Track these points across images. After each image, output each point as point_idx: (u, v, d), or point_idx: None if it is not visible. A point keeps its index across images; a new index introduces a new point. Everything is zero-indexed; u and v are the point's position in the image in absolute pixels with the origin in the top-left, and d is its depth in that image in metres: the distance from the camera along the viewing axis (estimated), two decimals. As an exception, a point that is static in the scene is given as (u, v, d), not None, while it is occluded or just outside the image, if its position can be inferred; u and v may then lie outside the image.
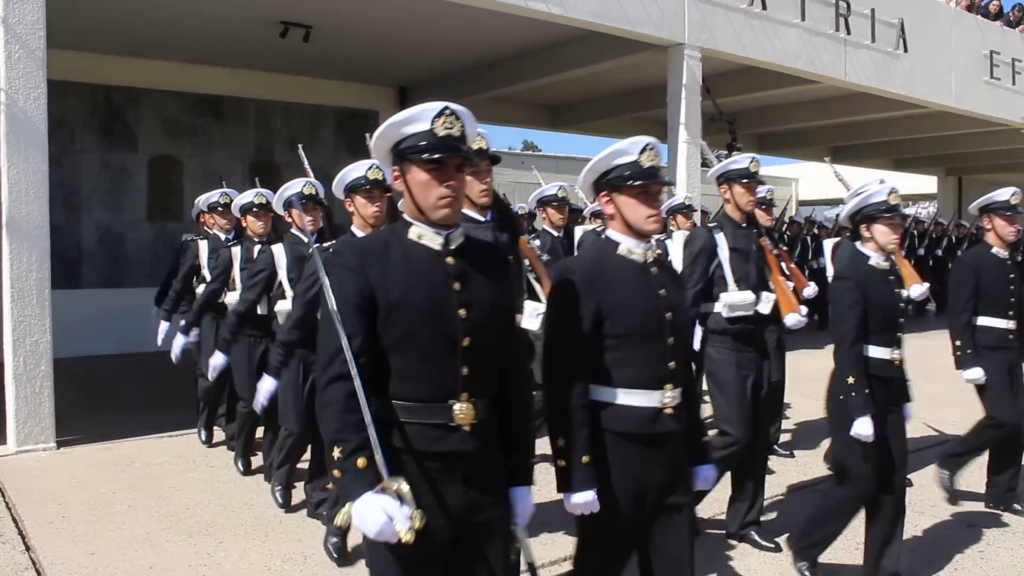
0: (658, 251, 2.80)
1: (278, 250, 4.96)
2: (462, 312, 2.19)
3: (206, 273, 6.37)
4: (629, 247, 2.71)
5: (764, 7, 9.80)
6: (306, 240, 4.66)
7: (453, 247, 2.23)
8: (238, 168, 11.81)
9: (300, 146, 5.89)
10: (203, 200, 7.04)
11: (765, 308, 4.41)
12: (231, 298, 5.71)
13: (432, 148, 2.16)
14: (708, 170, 4.70)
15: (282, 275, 4.93)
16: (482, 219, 3.55)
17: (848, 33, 10.84)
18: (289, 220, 5.01)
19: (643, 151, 2.64)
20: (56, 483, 5.54)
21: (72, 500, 5.21)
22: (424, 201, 2.18)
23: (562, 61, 10.43)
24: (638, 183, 2.62)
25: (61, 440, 6.33)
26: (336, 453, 2.05)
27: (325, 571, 4.22)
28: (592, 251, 2.91)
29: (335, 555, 4.29)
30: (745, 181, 4.38)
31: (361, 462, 2.02)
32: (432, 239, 2.22)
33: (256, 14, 8.99)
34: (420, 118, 2.19)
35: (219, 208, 6.57)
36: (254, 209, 5.61)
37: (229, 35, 9.83)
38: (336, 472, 2.05)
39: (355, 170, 4.09)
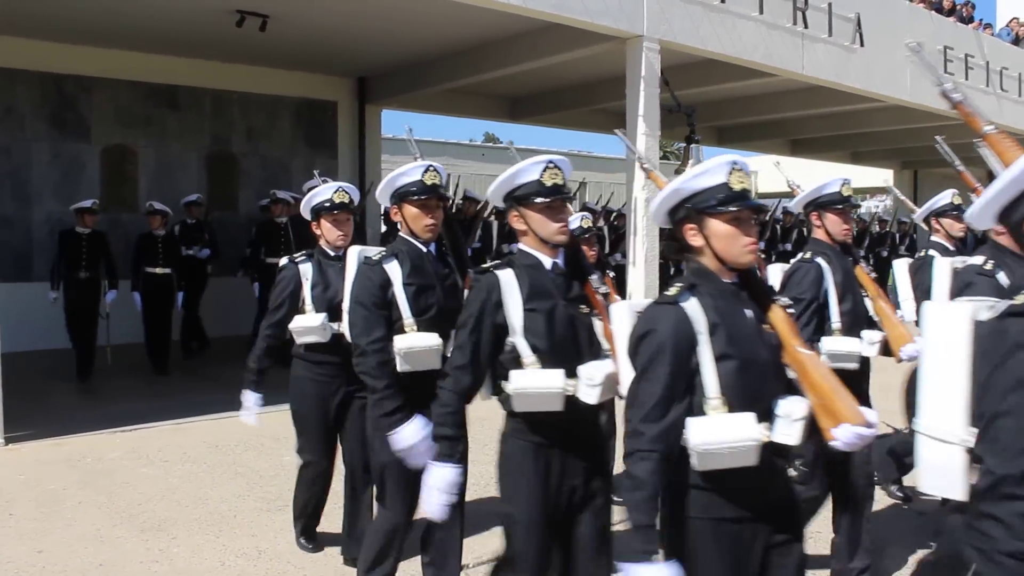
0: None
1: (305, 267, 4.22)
2: None
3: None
4: None
5: (722, 0, 9.84)
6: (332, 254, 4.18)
7: None
8: (193, 159, 11.64)
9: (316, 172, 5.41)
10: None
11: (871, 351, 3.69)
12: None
13: None
14: (672, 163, 4.51)
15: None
16: None
17: (805, 27, 10.92)
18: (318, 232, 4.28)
19: None
20: (3, 481, 5.43)
21: (20, 497, 5.11)
22: None
23: (521, 53, 10.39)
24: None
25: (9, 436, 6.20)
26: None
27: (279, 565, 4.19)
28: None
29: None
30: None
31: None
32: None
33: (212, 3, 8.84)
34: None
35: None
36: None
37: (184, 24, 9.65)
38: None
39: (406, 174, 3.33)
